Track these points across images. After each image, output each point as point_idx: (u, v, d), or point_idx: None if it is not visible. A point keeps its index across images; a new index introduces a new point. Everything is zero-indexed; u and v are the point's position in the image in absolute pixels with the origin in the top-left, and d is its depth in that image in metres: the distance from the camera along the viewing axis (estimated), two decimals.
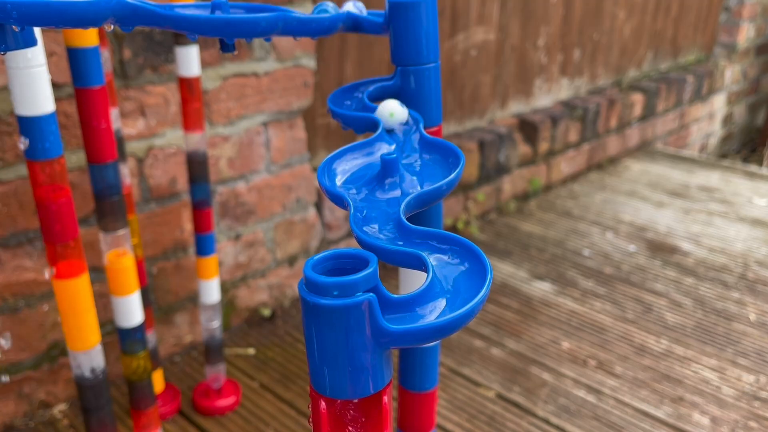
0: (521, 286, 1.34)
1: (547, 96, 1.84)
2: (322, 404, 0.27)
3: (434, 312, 0.27)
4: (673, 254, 1.49)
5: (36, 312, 0.90)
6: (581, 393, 1.02)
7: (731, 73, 2.60)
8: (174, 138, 0.99)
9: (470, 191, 1.59)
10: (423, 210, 0.36)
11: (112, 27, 0.36)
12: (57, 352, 0.94)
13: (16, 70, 0.52)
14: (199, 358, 1.09)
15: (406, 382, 0.53)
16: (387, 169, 0.35)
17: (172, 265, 1.05)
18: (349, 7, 0.45)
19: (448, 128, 1.57)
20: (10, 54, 0.51)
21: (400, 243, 0.31)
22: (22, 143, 0.54)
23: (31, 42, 0.43)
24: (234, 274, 1.14)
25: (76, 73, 0.63)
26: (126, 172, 0.85)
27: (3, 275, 0.86)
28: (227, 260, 1.12)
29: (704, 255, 1.49)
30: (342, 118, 0.43)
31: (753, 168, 2.12)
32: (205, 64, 0.99)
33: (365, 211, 0.33)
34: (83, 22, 0.36)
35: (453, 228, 1.56)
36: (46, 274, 0.82)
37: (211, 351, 0.97)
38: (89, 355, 0.63)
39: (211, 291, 0.93)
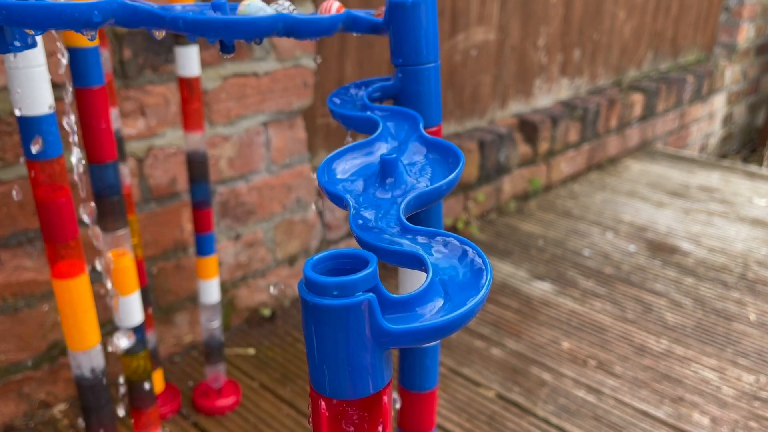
0: (521, 286, 1.34)
1: (547, 96, 1.84)
2: (322, 404, 0.27)
3: (434, 312, 0.27)
4: (673, 254, 1.49)
5: (36, 312, 0.90)
6: (581, 393, 1.02)
7: (731, 73, 2.60)
8: (174, 138, 0.99)
9: (470, 191, 1.59)
10: (423, 210, 0.36)
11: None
12: (57, 352, 0.94)
13: (16, 70, 0.52)
14: (199, 358, 1.09)
15: (406, 382, 0.53)
16: (387, 169, 0.35)
17: (172, 265, 1.05)
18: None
19: (448, 128, 1.57)
20: (10, 54, 0.51)
21: (400, 243, 0.31)
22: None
23: (32, 44, 0.43)
24: (234, 274, 1.14)
25: (76, 73, 0.63)
26: (126, 172, 0.85)
27: (3, 275, 0.86)
28: (227, 260, 1.12)
29: (704, 255, 1.49)
30: (342, 118, 0.43)
31: (753, 168, 2.12)
32: (205, 64, 0.99)
33: (365, 211, 0.33)
34: (83, 24, 0.36)
35: (453, 228, 1.56)
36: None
37: (211, 351, 0.97)
38: (89, 355, 0.63)
39: (211, 291, 0.93)
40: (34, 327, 0.91)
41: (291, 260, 1.23)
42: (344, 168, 0.37)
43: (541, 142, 1.75)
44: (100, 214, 0.70)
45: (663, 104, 2.22)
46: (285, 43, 1.09)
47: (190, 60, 0.81)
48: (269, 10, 0.40)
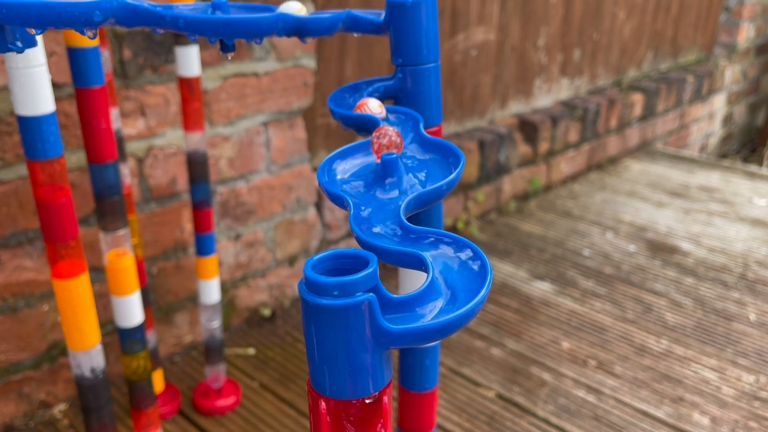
0: (521, 286, 1.34)
1: (547, 96, 1.84)
2: (322, 404, 0.27)
3: (434, 312, 0.27)
4: (673, 254, 1.49)
5: (36, 312, 0.90)
6: (581, 393, 1.02)
7: (731, 73, 2.60)
8: (174, 138, 0.99)
9: (470, 191, 1.59)
10: (423, 210, 0.36)
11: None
12: (57, 352, 0.94)
13: (16, 70, 0.52)
14: (199, 358, 1.09)
15: (406, 382, 0.53)
16: (387, 169, 0.35)
17: (172, 265, 1.05)
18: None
19: (448, 128, 1.57)
20: (10, 54, 0.51)
21: (400, 243, 0.31)
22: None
23: (31, 43, 0.43)
24: (234, 274, 1.14)
25: (76, 73, 0.63)
26: (126, 172, 0.85)
27: (3, 275, 0.86)
28: (227, 260, 1.12)
29: (704, 255, 1.49)
30: (342, 119, 0.43)
31: (753, 168, 2.12)
32: (205, 64, 0.99)
33: (365, 211, 0.33)
34: (84, 23, 0.36)
35: (453, 228, 1.56)
36: None
37: (211, 351, 0.97)
38: (89, 355, 0.63)
39: (211, 291, 0.93)
40: (34, 327, 0.91)
41: (291, 260, 1.23)
42: (344, 168, 0.37)
43: (541, 142, 1.75)
44: (100, 214, 0.70)
45: (663, 104, 2.22)
46: (285, 43, 1.09)
47: (190, 60, 0.81)
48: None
